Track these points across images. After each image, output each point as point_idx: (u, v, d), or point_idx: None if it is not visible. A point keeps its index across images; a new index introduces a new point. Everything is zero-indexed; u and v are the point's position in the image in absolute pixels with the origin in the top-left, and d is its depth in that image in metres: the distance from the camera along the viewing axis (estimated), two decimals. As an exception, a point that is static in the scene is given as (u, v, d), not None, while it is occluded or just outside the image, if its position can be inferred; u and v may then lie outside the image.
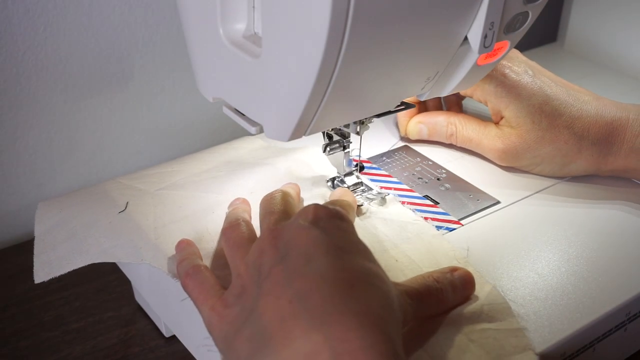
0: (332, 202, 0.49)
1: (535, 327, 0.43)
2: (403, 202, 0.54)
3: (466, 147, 0.60)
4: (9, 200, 0.65)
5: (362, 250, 0.39)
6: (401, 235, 0.50)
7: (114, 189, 0.55)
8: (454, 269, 0.44)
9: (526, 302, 0.44)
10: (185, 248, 0.46)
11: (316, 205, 0.41)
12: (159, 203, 0.53)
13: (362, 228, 0.51)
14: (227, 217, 0.49)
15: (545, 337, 0.42)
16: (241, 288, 0.39)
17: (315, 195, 0.54)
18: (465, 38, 0.42)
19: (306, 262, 0.36)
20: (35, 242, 0.49)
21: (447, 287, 0.43)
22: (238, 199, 0.51)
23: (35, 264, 0.47)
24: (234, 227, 0.45)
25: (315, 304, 0.34)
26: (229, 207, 0.51)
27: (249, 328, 0.36)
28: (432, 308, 0.42)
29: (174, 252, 0.47)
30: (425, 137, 0.62)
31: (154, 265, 0.46)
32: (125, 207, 0.51)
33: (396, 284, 0.41)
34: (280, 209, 0.45)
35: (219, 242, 0.48)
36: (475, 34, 0.41)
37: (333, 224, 0.39)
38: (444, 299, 0.43)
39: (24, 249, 0.60)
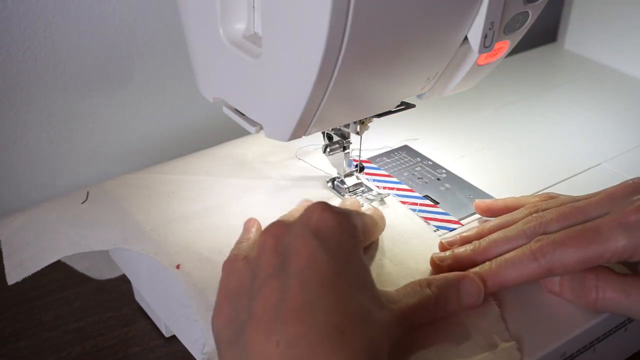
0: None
1: (536, 327, 0.43)
2: (403, 202, 0.54)
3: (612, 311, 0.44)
4: (9, 200, 0.65)
5: (357, 277, 0.37)
6: (401, 236, 0.50)
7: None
8: (461, 277, 0.43)
9: (526, 301, 0.44)
10: (247, 231, 0.47)
11: (322, 209, 0.39)
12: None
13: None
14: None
15: (545, 337, 0.42)
16: (238, 284, 0.39)
17: (315, 197, 0.54)
18: (465, 38, 0.42)
19: (301, 289, 0.35)
20: (2, 245, 0.49)
21: (445, 293, 0.42)
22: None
23: (6, 266, 0.48)
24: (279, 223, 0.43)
25: (299, 354, 0.33)
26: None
27: (238, 351, 0.36)
28: (430, 317, 0.42)
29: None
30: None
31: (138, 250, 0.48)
32: (87, 197, 0.51)
33: (393, 301, 0.40)
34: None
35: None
36: (475, 34, 0.41)
37: (337, 239, 0.38)
38: (439, 309, 0.42)
39: (24, 249, 0.60)
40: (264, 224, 0.43)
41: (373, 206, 0.53)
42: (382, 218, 0.50)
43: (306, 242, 0.37)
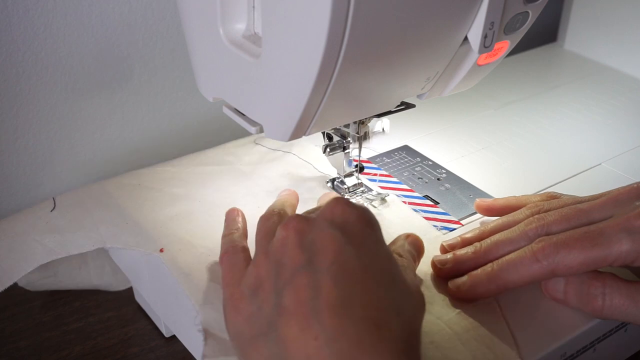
0: None
1: (536, 327, 0.43)
2: (404, 202, 0.54)
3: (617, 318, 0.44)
4: (9, 200, 0.65)
5: (385, 269, 0.38)
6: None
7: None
8: (407, 236, 0.46)
9: (526, 301, 0.44)
10: (234, 221, 0.46)
11: (344, 204, 0.39)
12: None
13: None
14: (264, 215, 0.46)
15: (546, 337, 0.42)
16: (257, 280, 0.39)
17: (315, 198, 0.54)
18: (465, 38, 0.42)
19: (334, 284, 0.35)
20: None
21: (412, 261, 0.44)
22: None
23: None
24: (268, 217, 0.44)
25: (341, 349, 0.33)
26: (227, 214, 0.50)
27: (268, 347, 0.36)
28: None
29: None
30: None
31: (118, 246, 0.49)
32: (54, 206, 0.51)
33: (416, 283, 0.42)
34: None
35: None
36: (475, 34, 0.41)
37: (361, 232, 0.38)
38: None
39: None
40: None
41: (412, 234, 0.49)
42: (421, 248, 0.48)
43: (332, 237, 0.37)
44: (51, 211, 0.52)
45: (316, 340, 0.33)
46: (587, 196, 0.46)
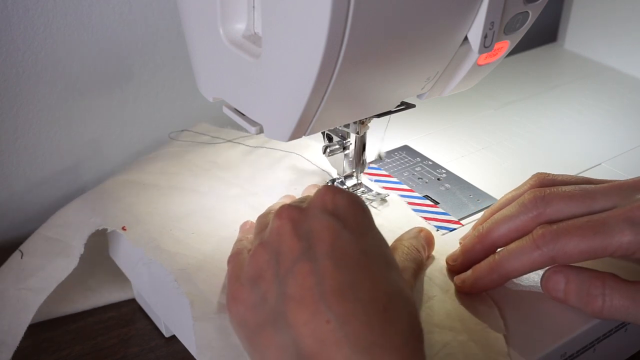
0: None
1: (536, 327, 0.43)
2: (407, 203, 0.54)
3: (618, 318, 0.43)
4: (9, 200, 0.65)
5: (381, 253, 0.38)
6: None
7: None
8: (420, 230, 0.47)
9: (527, 301, 0.44)
10: (247, 231, 0.48)
11: (334, 191, 0.40)
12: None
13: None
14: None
15: (546, 337, 0.42)
16: (257, 270, 0.39)
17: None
18: (465, 38, 0.42)
19: (336, 269, 0.36)
20: None
21: (424, 255, 0.46)
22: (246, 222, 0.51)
23: None
24: (264, 215, 0.46)
25: (354, 330, 0.34)
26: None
27: (278, 335, 0.36)
28: (419, 278, 0.45)
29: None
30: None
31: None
32: (22, 257, 0.52)
33: (403, 269, 0.42)
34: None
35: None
36: (475, 34, 0.41)
37: (354, 217, 0.39)
38: (424, 267, 0.46)
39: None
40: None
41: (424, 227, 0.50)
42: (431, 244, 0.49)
43: (328, 224, 0.38)
44: (21, 258, 0.52)
45: (328, 324, 0.34)
46: (582, 177, 0.47)
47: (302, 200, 0.44)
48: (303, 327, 0.35)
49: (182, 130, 0.63)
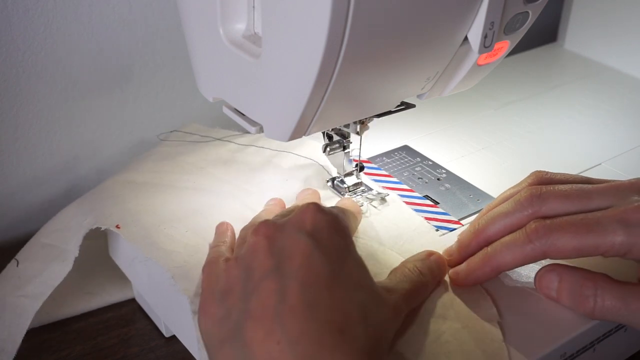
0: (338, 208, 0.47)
1: (536, 326, 0.43)
2: (406, 202, 0.54)
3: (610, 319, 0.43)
4: (9, 200, 0.65)
5: (354, 275, 0.38)
6: (401, 236, 0.50)
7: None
8: (430, 254, 0.45)
9: (527, 301, 0.44)
10: (223, 234, 0.47)
11: (315, 211, 0.40)
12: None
13: (362, 229, 0.51)
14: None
15: (545, 337, 0.42)
16: (227, 285, 0.39)
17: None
18: (465, 38, 0.42)
19: (300, 289, 0.35)
20: None
21: (429, 278, 0.44)
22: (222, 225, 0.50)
23: None
24: (248, 227, 0.45)
25: (303, 351, 0.34)
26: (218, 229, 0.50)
27: (234, 352, 0.36)
28: (419, 300, 0.43)
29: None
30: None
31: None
32: (17, 265, 0.52)
33: (390, 290, 0.41)
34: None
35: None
36: (475, 34, 0.41)
37: (330, 238, 0.39)
38: (428, 290, 0.44)
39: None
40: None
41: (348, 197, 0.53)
42: (359, 212, 0.51)
43: (301, 243, 0.37)
44: (17, 266, 0.52)
45: (279, 345, 0.34)
46: (581, 176, 0.46)
47: (286, 213, 0.44)
48: (257, 347, 0.35)
49: (172, 131, 0.63)
